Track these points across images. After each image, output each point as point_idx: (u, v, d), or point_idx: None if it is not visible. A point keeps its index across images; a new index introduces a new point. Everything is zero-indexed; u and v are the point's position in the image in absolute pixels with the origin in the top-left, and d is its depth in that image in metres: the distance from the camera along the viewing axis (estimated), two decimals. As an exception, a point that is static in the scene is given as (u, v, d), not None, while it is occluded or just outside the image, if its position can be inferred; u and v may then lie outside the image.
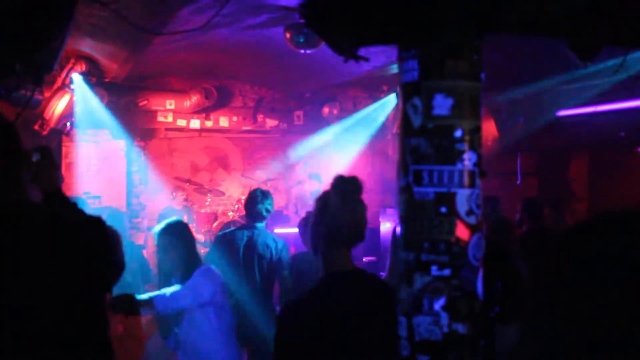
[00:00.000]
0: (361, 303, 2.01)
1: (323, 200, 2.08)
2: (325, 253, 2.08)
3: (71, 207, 1.93)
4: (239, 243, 4.46)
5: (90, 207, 7.41)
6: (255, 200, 4.54)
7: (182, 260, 3.47)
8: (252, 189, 4.85)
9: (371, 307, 2.01)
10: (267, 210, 4.53)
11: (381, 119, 9.59)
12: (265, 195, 4.59)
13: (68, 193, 7.47)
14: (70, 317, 1.61)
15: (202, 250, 8.57)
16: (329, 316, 1.98)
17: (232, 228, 4.79)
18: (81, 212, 1.89)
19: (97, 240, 1.73)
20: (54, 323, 1.58)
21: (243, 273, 4.34)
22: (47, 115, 6.70)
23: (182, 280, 3.41)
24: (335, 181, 2.08)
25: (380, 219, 8.54)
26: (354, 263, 2.12)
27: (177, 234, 3.53)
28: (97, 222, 1.78)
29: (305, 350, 1.97)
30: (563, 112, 7.15)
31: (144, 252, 6.33)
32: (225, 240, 4.60)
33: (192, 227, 8.92)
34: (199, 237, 8.90)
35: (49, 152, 1.96)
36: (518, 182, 7.97)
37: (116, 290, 3.14)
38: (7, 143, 1.68)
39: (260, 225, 4.52)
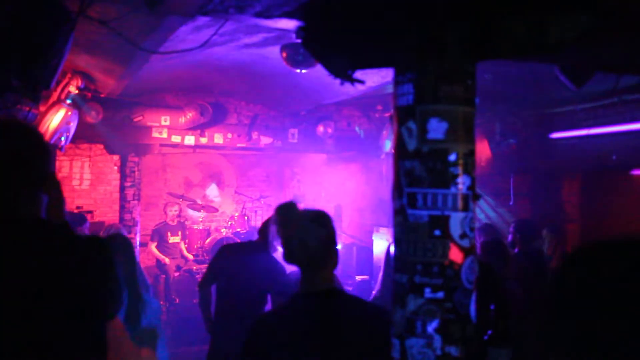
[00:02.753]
0: (332, 322, 2.01)
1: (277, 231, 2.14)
2: (302, 275, 2.10)
3: (69, 233, 1.92)
4: (242, 257, 4.49)
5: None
6: (267, 227, 4.57)
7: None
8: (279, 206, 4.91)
9: (337, 327, 2.01)
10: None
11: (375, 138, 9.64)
12: None
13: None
14: (67, 345, 1.61)
15: (194, 267, 8.56)
16: (292, 333, 1.99)
17: (241, 241, 4.82)
18: (76, 237, 1.88)
19: (102, 270, 1.72)
20: (52, 348, 1.58)
21: (238, 287, 4.35)
22: (42, 129, 6.68)
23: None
24: (275, 212, 2.12)
25: (373, 238, 8.55)
26: (330, 282, 2.11)
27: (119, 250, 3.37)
28: (101, 247, 1.78)
29: None
30: (556, 134, 7.21)
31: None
32: (230, 251, 4.63)
33: (185, 242, 8.93)
34: (189, 256, 8.88)
35: (58, 185, 1.95)
36: (511, 203, 8.01)
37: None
38: (38, 159, 1.72)
39: (268, 246, 4.54)
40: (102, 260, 1.74)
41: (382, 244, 7.91)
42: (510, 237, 5.49)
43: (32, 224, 1.70)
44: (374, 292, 3.60)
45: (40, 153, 1.77)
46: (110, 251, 1.78)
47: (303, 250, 2.04)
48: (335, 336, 1.99)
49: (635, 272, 0.70)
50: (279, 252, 4.37)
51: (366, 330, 2.00)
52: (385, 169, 9.39)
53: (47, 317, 1.58)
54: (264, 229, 4.60)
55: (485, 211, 8.31)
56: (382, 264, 3.78)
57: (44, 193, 1.79)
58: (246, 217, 9.67)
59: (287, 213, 2.12)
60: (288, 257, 2.09)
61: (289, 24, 2.31)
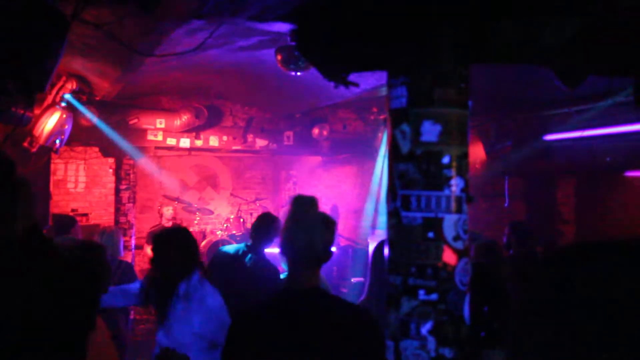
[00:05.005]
0: (311, 322, 2.00)
1: (284, 221, 2.10)
2: (289, 272, 2.09)
3: (47, 244, 1.88)
4: (235, 260, 4.48)
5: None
6: (264, 224, 4.57)
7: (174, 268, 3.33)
8: (264, 212, 4.92)
9: (322, 327, 1.99)
10: (273, 236, 4.54)
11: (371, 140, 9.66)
12: (274, 220, 4.63)
13: (56, 210, 7.38)
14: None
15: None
16: (275, 330, 1.98)
17: (234, 245, 4.81)
18: (56, 251, 1.84)
19: (76, 283, 1.70)
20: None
21: (233, 290, 4.35)
22: (36, 132, 6.68)
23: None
24: (291, 202, 2.09)
25: (369, 240, 8.55)
26: (316, 283, 2.10)
27: (167, 242, 3.39)
28: (77, 263, 1.76)
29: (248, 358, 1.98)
30: (550, 137, 7.24)
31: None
32: (223, 255, 4.62)
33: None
34: None
35: (27, 187, 1.89)
36: (506, 204, 8.03)
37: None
38: (2, 175, 1.68)
39: (261, 248, 4.54)
40: (79, 281, 1.71)
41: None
42: (505, 238, 5.50)
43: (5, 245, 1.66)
44: (361, 297, 3.56)
45: (5, 170, 1.72)
46: (90, 270, 1.75)
47: (310, 250, 2.04)
48: (315, 334, 1.97)
49: (610, 275, 0.70)
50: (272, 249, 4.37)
51: (346, 331, 1.98)
52: (380, 171, 9.41)
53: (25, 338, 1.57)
54: (258, 231, 4.58)
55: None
56: (369, 268, 3.75)
57: (19, 201, 1.74)
58: (242, 220, 9.66)
59: (306, 207, 2.09)
60: (290, 251, 2.06)
61: (283, 27, 2.32)
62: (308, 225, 2.05)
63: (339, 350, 1.95)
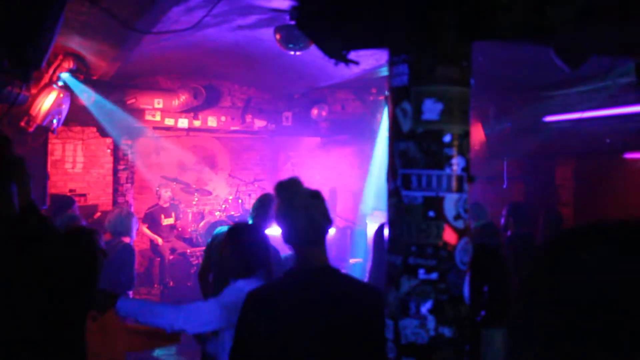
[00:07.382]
0: (322, 299, 2.03)
1: (277, 210, 2.13)
2: (298, 252, 2.11)
3: (43, 222, 1.86)
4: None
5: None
6: (265, 205, 4.58)
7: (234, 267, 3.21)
8: (264, 193, 4.98)
9: (334, 304, 2.03)
10: (273, 216, 4.56)
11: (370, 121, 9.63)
12: (274, 201, 4.63)
13: (54, 190, 7.37)
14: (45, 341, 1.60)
15: (188, 250, 8.55)
16: (288, 307, 2.00)
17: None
18: (53, 229, 1.83)
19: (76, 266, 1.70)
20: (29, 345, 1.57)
21: None
22: (33, 112, 6.63)
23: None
24: (276, 190, 2.12)
25: (367, 221, 8.57)
26: (326, 260, 2.14)
27: (234, 238, 3.39)
28: (72, 241, 1.74)
29: (262, 338, 2.00)
30: (550, 118, 7.21)
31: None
32: (222, 236, 4.63)
33: (178, 225, 8.90)
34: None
35: (22, 164, 1.86)
36: (504, 186, 8.03)
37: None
38: None
39: (262, 228, 4.55)
40: (76, 257, 1.70)
41: (375, 227, 7.92)
42: (503, 220, 5.51)
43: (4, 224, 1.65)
44: (367, 275, 3.60)
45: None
46: (89, 246, 1.74)
47: (311, 227, 2.06)
48: (330, 312, 2.00)
49: (611, 258, 0.69)
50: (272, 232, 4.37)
51: (359, 307, 2.02)
52: (379, 151, 9.39)
53: (25, 314, 1.56)
54: (259, 211, 4.58)
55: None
56: (370, 250, 3.77)
57: (14, 180, 1.72)
58: (240, 201, 9.66)
59: (292, 190, 2.12)
60: (293, 235, 2.08)
61: (283, 3, 2.28)
62: (303, 205, 2.07)
63: (353, 325, 1.97)
